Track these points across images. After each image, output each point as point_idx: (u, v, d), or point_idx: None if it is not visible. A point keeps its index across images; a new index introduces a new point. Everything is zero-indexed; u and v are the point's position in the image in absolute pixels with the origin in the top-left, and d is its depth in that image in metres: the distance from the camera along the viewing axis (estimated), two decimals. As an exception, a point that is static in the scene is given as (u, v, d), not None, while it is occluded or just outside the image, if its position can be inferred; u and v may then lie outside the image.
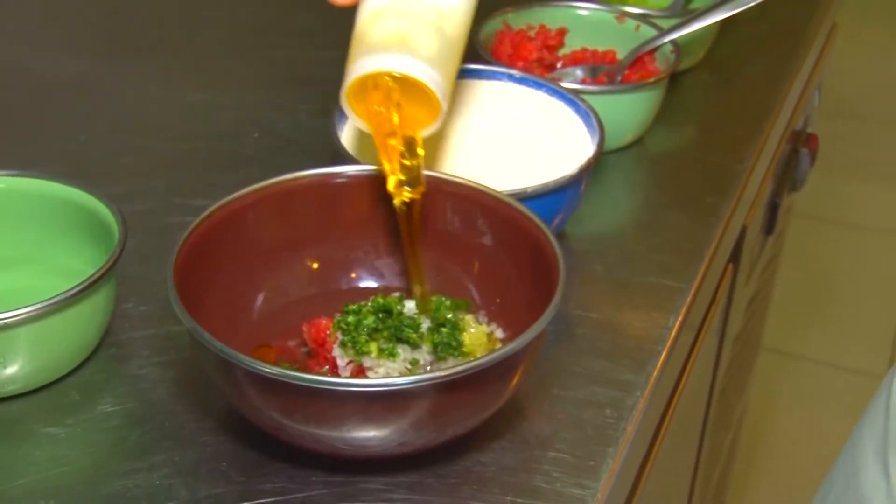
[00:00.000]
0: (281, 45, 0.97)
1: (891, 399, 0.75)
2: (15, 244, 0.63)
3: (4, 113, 0.85)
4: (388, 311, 0.56)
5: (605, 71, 0.84)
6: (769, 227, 1.08)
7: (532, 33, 0.85)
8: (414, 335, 0.56)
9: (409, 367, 0.56)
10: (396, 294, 0.59)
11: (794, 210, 1.30)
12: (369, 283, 0.64)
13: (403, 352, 0.56)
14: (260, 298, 0.62)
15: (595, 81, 0.83)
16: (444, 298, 0.61)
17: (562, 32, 0.86)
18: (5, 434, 0.56)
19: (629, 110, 0.80)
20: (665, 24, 0.84)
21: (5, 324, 0.54)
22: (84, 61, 0.92)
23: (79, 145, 0.80)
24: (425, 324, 0.57)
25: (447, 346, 0.56)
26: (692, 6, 0.91)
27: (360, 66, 0.59)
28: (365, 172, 0.63)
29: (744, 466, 1.51)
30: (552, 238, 0.57)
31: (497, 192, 0.61)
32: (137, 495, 0.53)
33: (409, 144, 0.59)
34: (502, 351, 0.51)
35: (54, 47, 0.94)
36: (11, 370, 0.56)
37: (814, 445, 1.64)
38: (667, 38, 0.82)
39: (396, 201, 0.59)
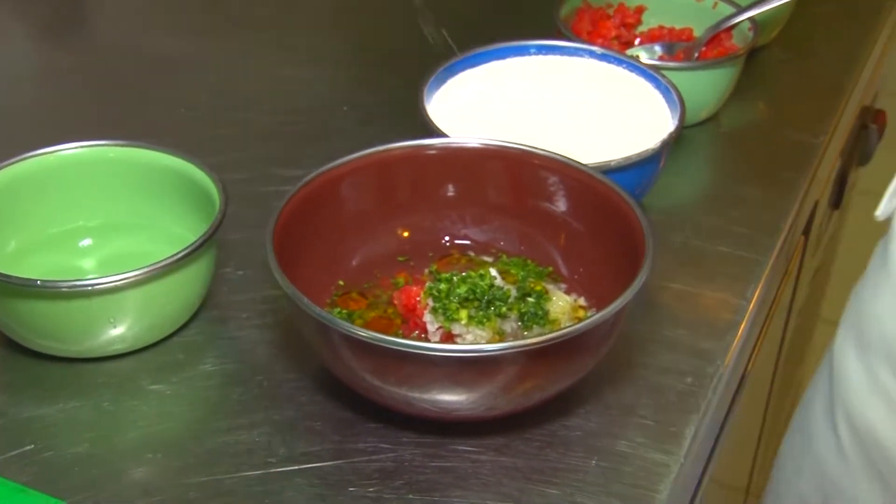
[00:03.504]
0: (366, 23, 0.95)
1: (832, 366, 0.75)
2: (125, 211, 0.63)
3: (115, 88, 0.84)
4: (479, 282, 0.54)
5: (683, 48, 0.80)
6: (836, 201, 1.04)
7: (611, 11, 0.82)
8: (504, 307, 0.54)
9: (496, 334, 0.54)
10: (488, 258, 0.57)
11: (857, 185, 1.25)
12: (457, 251, 0.62)
13: (491, 320, 0.54)
14: (352, 264, 0.61)
15: (672, 58, 0.80)
16: (528, 261, 0.59)
17: (640, 10, 0.83)
18: (117, 390, 0.56)
19: (706, 86, 0.76)
20: (742, 1, 0.80)
21: (116, 286, 0.53)
22: (184, 40, 0.91)
23: (180, 118, 0.80)
24: (513, 293, 0.55)
25: (534, 315, 0.54)
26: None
27: None
28: (454, 144, 0.61)
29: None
30: (638, 210, 0.55)
31: (582, 164, 0.59)
32: (238, 451, 0.52)
33: None
34: (591, 320, 0.49)
35: (157, 28, 0.94)
36: (120, 330, 0.55)
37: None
38: (745, 16, 0.78)
39: None
